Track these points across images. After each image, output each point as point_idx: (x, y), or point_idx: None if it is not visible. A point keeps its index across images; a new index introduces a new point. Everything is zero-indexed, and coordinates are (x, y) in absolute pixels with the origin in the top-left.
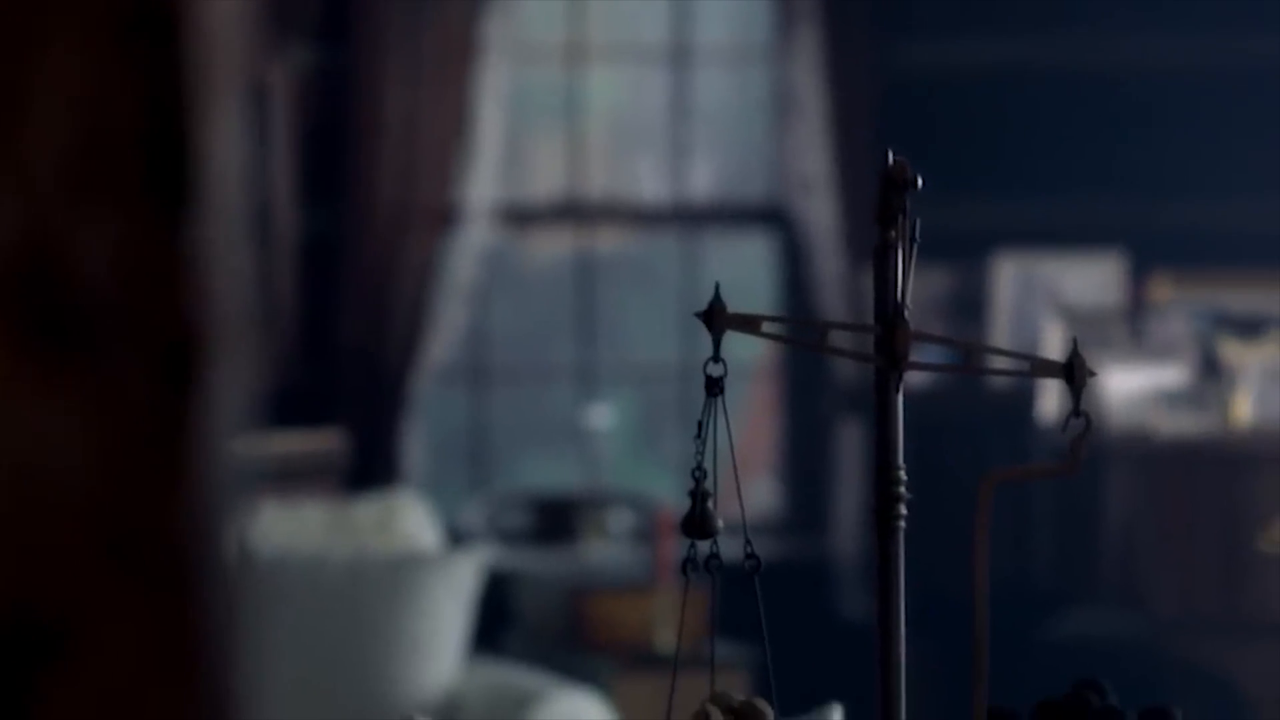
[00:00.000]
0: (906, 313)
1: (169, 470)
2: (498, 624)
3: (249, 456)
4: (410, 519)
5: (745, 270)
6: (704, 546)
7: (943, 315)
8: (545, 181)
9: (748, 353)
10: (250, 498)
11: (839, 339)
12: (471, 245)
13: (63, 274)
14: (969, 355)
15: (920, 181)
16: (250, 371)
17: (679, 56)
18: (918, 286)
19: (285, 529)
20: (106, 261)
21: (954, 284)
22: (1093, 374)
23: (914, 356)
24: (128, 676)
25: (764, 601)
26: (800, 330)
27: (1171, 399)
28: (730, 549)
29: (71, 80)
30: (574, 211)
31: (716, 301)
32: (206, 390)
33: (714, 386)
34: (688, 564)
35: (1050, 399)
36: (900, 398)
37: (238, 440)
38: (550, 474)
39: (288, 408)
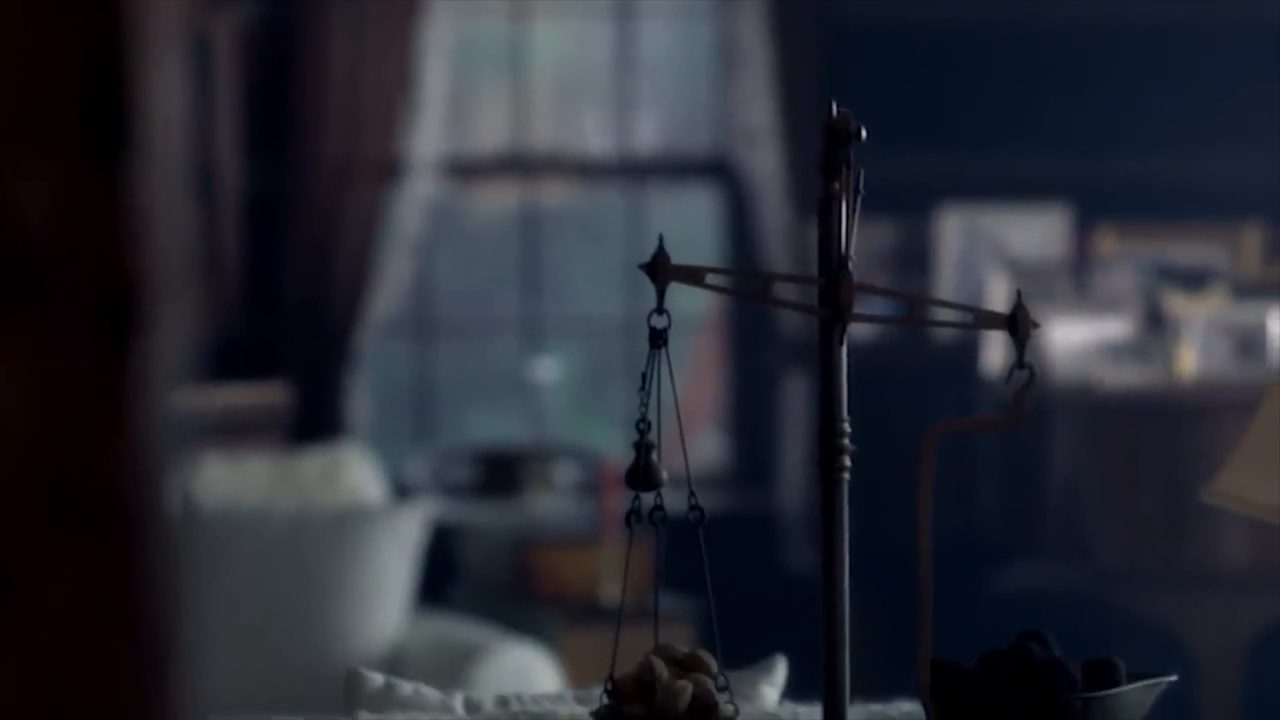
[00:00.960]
0: (850, 265)
1: (109, 420)
2: (443, 577)
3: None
4: (355, 472)
5: (691, 223)
6: (648, 498)
7: (887, 268)
8: (490, 134)
9: (693, 306)
10: (193, 449)
11: (783, 291)
12: (416, 198)
13: (1, 223)
14: (913, 307)
15: (864, 134)
16: (192, 322)
17: (623, 9)
18: (862, 239)
19: (230, 482)
20: (45, 211)
21: (899, 237)
22: (1036, 326)
23: (858, 308)
24: (69, 627)
25: (708, 554)
26: (744, 282)
27: (1116, 351)
28: (675, 501)
29: (10, 30)
30: (519, 164)
31: (660, 253)
32: (147, 340)
33: (657, 338)
34: (632, 516)
35: (995, 352)
36: (844, 350)
37: (179, 391)
38: (495, 427)
39: (232, 360)
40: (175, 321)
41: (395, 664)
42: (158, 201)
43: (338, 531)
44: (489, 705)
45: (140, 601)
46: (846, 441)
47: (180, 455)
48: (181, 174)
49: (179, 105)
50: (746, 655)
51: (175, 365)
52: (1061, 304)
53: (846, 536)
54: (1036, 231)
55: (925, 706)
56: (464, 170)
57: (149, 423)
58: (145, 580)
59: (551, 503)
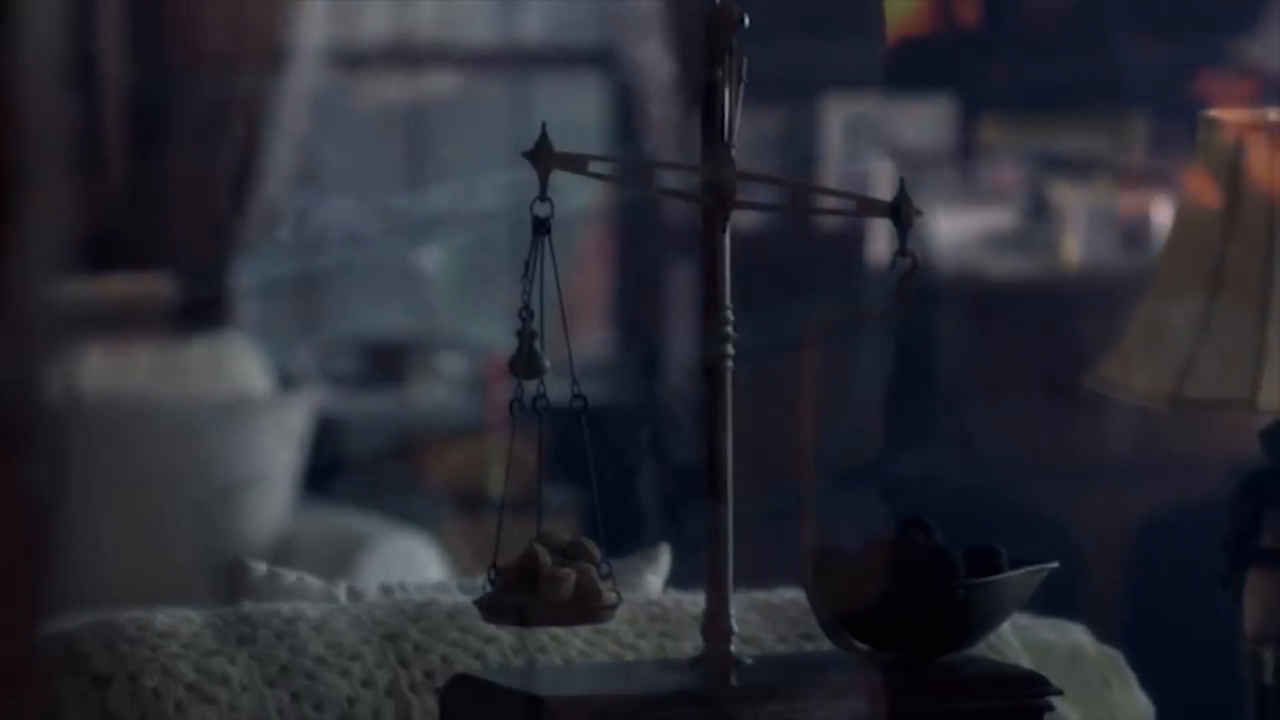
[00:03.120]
0: (733, 152)
1: None
2: (328, 467)
3: (71, 298)
4: (239, 363)
5: (577, 113)
6: (531, 387)
7: (772, 157)
8: (374, 24)
9: (579, 198)
10: (73, 340)
11: (667, 179)
12: (300, 88)
13: None
14: (796, 195)
15: (748, 21)
16: (68, 212)
17: None
18: (746, 128)
19: (113, 373)
20: None
21: (783, 126)
22: (919, 213)
23: (741, 197)
24: None
25: (593, 443)
26: (628, 170)
27: (1000, 241)
28: (562, 391)
29: None
30: (403, 54)
31: (543, 141)
32: (20, 228)
33: (540, 227)
34: (515, 404)
35: (881, 244)
36: (727, 238)
37: (57, 281)
38: (380, 318)
39: (114, 251)
40: (50, 211)
41: (280, 554)
42: (29, 89)
43: (222, 422)
44: (372, 593)
45: (21, 495)
46: (730, 329)
47: (60, 345)
48: (55, 63)
49: None
50: (631, 544)
51: (51, 255)
52: (946, 194)
53: (730, 426)
54: (921, 122)
55: (808, 594)
56: (348, 60)
57: (25, 312)
58: (26, 474)
59: (437, 393)
